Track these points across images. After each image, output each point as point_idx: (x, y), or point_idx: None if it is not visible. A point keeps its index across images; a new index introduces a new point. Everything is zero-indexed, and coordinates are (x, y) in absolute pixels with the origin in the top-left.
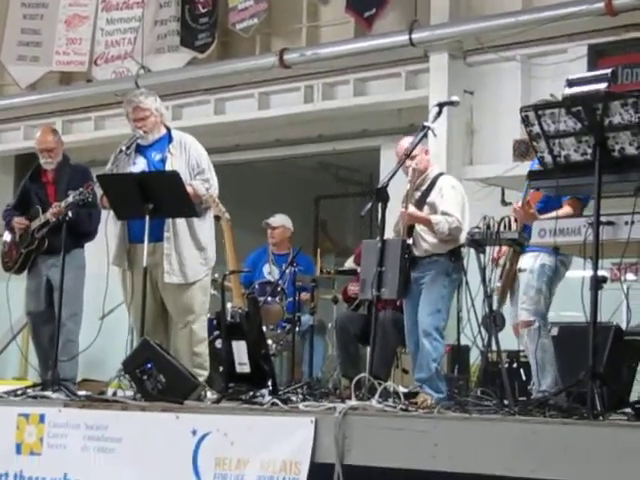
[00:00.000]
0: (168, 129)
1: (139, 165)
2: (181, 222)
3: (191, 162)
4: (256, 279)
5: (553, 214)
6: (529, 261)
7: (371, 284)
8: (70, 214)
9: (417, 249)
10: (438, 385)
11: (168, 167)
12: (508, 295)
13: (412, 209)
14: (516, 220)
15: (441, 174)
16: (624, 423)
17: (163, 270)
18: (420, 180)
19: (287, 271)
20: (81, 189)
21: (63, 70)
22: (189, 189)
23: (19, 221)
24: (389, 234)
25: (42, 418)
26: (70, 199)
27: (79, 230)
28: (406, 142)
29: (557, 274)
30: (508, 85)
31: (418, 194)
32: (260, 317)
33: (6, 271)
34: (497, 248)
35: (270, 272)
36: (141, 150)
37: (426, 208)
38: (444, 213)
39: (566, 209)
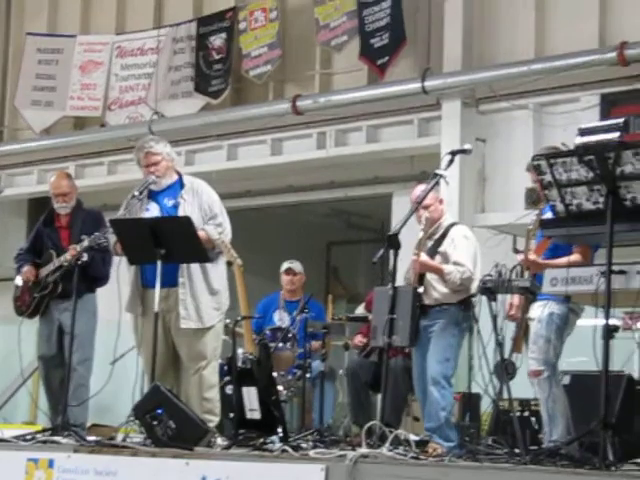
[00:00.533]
0: (179, 175)
1: (152, 211)
2: (195, 267)
3: (203, 207)
4: (267, 325)
5: (564, 260)
6: (538, 310)
7: (382, 331)
8: (85, 257)
9: (427, 297)
10: (448, 434)
11: (181, 213)
12: (523, 344)
13: (425, 257)
14: (528, 268)
15: (454, 224)
16: (637, 474)
17: (178, 315)
18: (433, 229)
19: (298, 317)
20: (97, 233)
21: (77, 115)
22: (202, 234)
23: (28, 271)
24: (400, 281)
25: (51, 463)
26: (86, 243)
27: (93, 274)
28: (419, 190)
29: (567, 323)
30: (520, 133)
31: (430, 243)
32: (271, 363)
33: (19, 315)
34: (509, 303)
35: (281, 318)
36: (153, 196)
37: (438, 257)
38: (456, 263)
39: (575, 256)
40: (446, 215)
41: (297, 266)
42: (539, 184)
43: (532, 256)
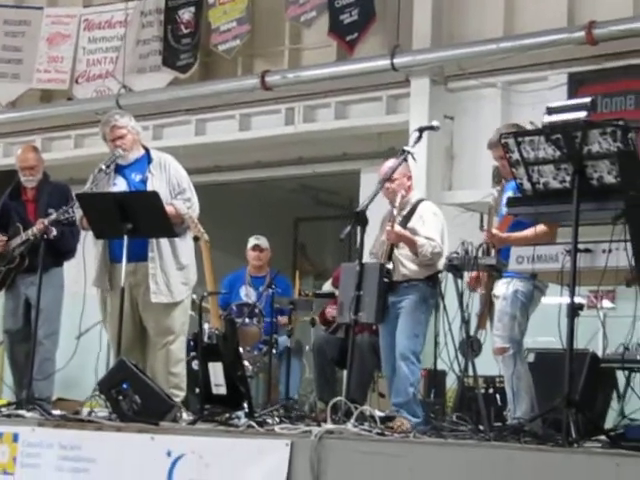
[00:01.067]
0: (147, 149)
1: (119, 186)
2: (164, 242)
3: (172, 182)
4: (233, 301)
5: (525, 232)
6: (502, 287)
7: (349, 308)
8: (55, 232)
9: (396, 274)
10: (415, 410)
11: (149, 187)
12: (488, 321)
13: (399, 228)
14: (494, 245)
15: (422, 200)
16: (599, 450)
17: (147, 289)
18: (401, 205)
19: (264, 293)
20: (65, 206)
21: (44, 88)
22: (170, 209)
23: None
24: (366, 257)
25: (15, 437)
26: (54, 216)
27: (62, 248)
28: (387, 166)
29: (531, 300)
30: (488, 111)
31: (399, 219)
32: (237, 339)
33: None
34: (472, 274)
35: (247, 294)
36: (120, 171)
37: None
38: (427, 238)
39: (541, 227)
40: (414, 191)
41: (264, 242)
42: (506, 161)
43: (494, 230)
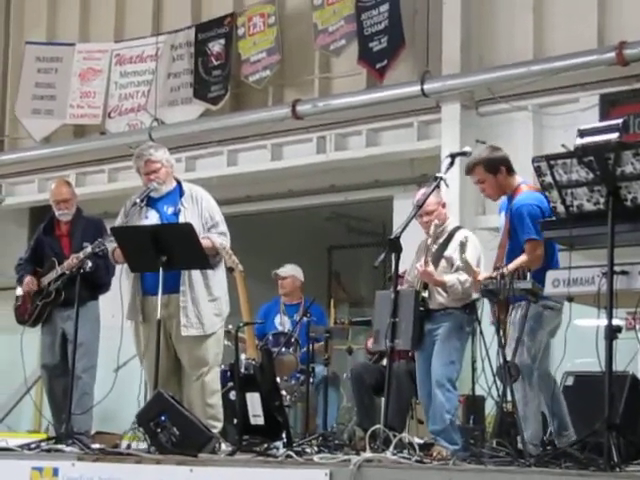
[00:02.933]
0: (178, 182)
1: (151, 219)
2: (196, 274)
3: (204, 214)
4: (268, 330)
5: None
6: (512, 313)
7: (385, 335)
8: (90, 264)
9: (432, 302)
10: (452, 437)
11: (181, 220)
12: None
13: (431, 269)
14: (529, 270)
15: (459, 227)
16: None
17: (179, 322)
18: (437, 233)
19: (300, 321)
20: (99, 239)
21: (77, 123)
22: (207, 242)
23: (29, 282)
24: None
25: (56, 472)
26: (89, 250)
27: (97, 281)
28: (420, 194)
29: (541, 322)
30: (520, 135)
31: (435, 247)
32: (274, 368)
33: (20, 324)
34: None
35: (281, 323)
36: (152, 203)
37: (443, 261)
38: (460, 269)
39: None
40: (450, 219)
41: (283, 270)
42: (484, 185)
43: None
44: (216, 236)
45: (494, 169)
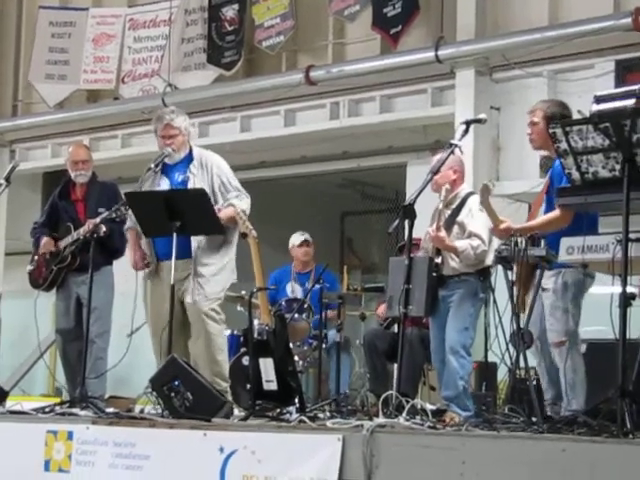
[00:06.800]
0: (190, 148)
1: (162, 186)
2: (206, 239)
3: (215, 181)
4: (280, 297)
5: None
6: (550, 280)
7: (398, 301)
8: (104, 229)
9: (446, 268)
10: (465, 403)
11: (190, 187)
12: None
13: (443, 234)
14: (533, 237)
15: (472, 193)
16: None
17: (187, 287)
18: (450, 198)
19: (312, 288)
20: (116, 205)
21: (90, 88)
22: (230, 211)
23: (47, 242)
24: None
25: (70, 435)
26: (105, 214)
27: (111, 247)
28: (435, 159)
29: (582, 289)
30: (534, 101)
31: (448, 212)
32: (287, 334)
33: (35, 288)
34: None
35: (293, 291)
36: (165, 170)
37: (455, 227)
38: (472, 234)
39: (555, 213)
40: (464, 184)
41: (309, 236)
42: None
43: (503, 225)
44: (237, 200)
45: (551, 120)
